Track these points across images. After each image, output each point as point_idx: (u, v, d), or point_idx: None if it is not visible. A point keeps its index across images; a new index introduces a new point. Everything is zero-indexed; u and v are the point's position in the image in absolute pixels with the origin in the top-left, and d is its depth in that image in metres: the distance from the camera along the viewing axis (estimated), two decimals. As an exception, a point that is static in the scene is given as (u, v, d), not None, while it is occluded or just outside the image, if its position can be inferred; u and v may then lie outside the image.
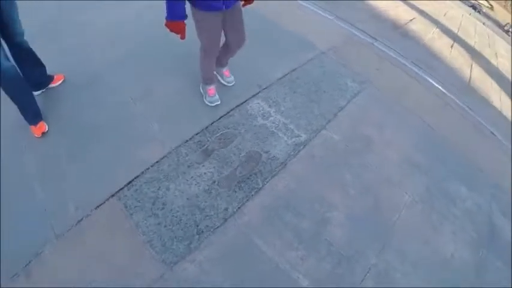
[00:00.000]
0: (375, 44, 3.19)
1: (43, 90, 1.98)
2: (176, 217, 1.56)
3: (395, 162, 2.06)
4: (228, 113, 2.05)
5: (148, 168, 1.70)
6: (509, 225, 1.99)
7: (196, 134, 1.89)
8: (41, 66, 1.91)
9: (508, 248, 1.87)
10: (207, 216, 1.59)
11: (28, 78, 1.76)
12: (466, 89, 3.35)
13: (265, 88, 2.26)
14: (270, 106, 2.16)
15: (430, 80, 3.00)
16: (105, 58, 2.26)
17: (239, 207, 1.65)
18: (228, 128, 1.97)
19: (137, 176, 1.66)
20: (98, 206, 1.53)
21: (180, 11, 1.44)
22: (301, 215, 1.67)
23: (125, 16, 2.67)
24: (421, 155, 2.17)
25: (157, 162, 1.74)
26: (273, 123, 2.07)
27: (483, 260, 1.75)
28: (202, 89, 2.10)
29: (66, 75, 2.08)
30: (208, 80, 2.02)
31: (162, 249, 1.45)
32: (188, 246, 1.48)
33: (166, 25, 1.48)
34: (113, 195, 1.58)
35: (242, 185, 1.73)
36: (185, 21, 1.50)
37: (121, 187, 1.61)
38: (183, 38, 1.52)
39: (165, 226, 1.52)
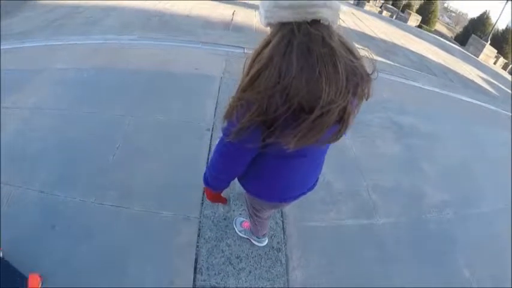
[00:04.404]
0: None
1: None
2: (256, 256, 1.67)
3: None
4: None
5: (197, 246, 1.68)
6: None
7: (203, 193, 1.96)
8: None
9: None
10: (273, 234, 1.77)
11: None
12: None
13: (213, 129, 2.50)
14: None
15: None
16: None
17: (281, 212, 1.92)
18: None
19: (196, 259, 1.62)
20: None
21: (227, 184, 1.02)
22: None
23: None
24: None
25: (198, 236, 1.73)
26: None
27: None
28: (249, 235, 1.72)
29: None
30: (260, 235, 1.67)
31: (273, 280, 1.56)
32: (287, 263, 1.64)
33: (205, 191, 1.10)
34: (194, 291, 1.50)
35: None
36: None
37: (192, 278, 1.54)
38: (225, 202, 1.16)
39: (255, 269, 1.61)
